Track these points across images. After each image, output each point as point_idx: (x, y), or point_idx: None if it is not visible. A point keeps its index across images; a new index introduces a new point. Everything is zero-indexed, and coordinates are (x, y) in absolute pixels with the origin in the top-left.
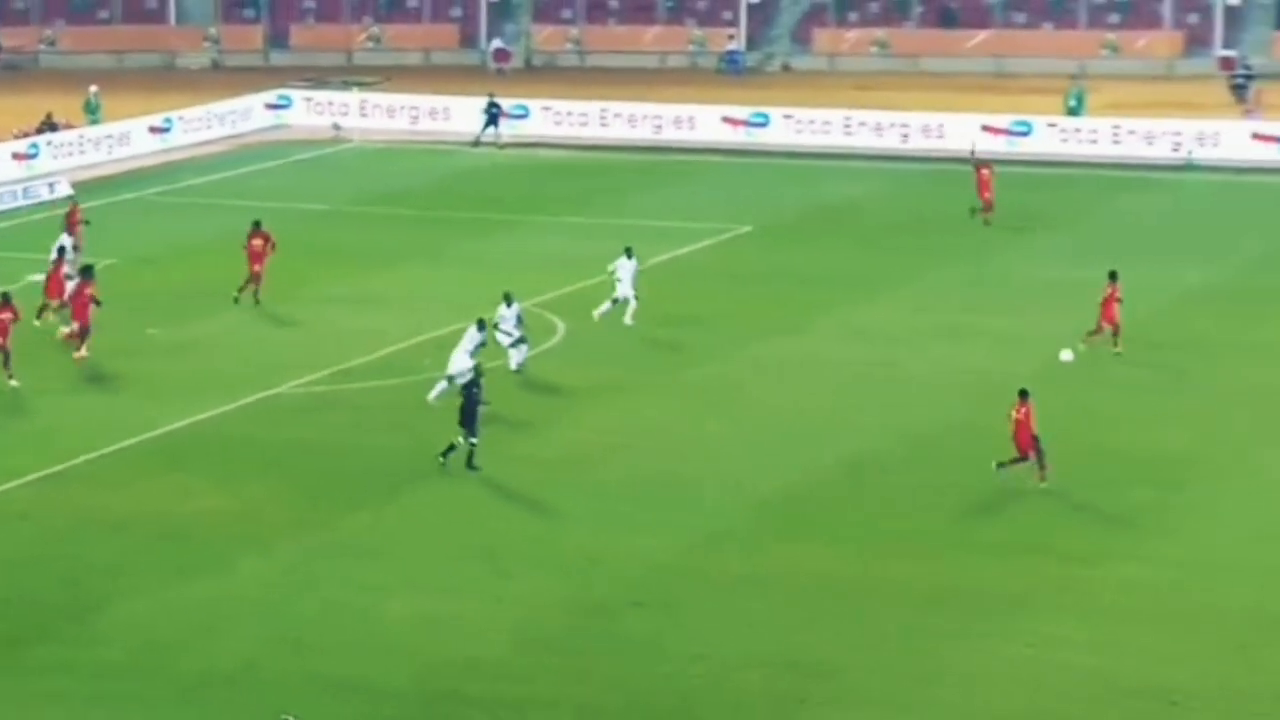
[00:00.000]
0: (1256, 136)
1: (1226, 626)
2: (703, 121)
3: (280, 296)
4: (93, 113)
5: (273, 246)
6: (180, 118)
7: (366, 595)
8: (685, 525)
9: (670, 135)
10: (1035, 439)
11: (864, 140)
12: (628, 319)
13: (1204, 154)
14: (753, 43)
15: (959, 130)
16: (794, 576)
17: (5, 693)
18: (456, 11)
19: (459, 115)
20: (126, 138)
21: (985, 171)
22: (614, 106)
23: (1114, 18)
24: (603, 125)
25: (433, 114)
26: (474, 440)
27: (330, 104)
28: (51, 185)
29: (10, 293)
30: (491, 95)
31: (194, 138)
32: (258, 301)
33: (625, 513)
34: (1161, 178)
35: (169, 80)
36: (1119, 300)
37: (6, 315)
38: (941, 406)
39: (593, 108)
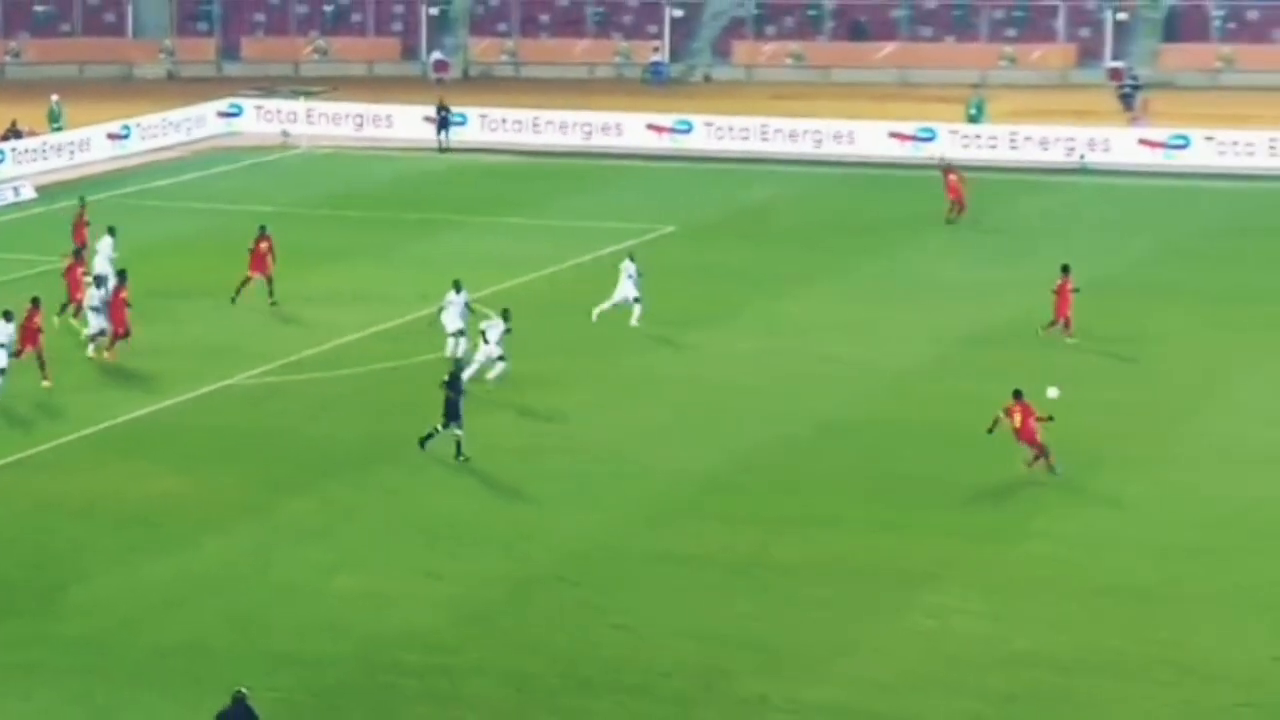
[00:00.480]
0: (1143, 142)
1: (1114, 600)
2: (629, 128)
3: (234, 291)
4: (55, 120)
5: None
6: (138, 125)
7: (314, 573)
8: (614, 506)
9: (599, 141)
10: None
11: (780, 146)
12: (634, 321)
13: (1095, 158)
14: (676, 55)
15: (868, 136)
16: (718, 554)
17: None
18: (398, 25)
19: (401, 123)
20: (87, 144)
21: (953, 176)
22: (546, 114)
23: (1011, 31)
24: (536, 132)
25: (375, 121)
26: (459, 430)
27: (279, 112)
28: (16, 189)
29: (39, 297)
30: (441, 100)
31: (151, 144)
32: (274, 303)
33: (557, 494)
34: (1056, 181)
35: (127, 89)
36: (1074, 291)
37: (38, 319)
38: (853, 395)
39: (526, 115)
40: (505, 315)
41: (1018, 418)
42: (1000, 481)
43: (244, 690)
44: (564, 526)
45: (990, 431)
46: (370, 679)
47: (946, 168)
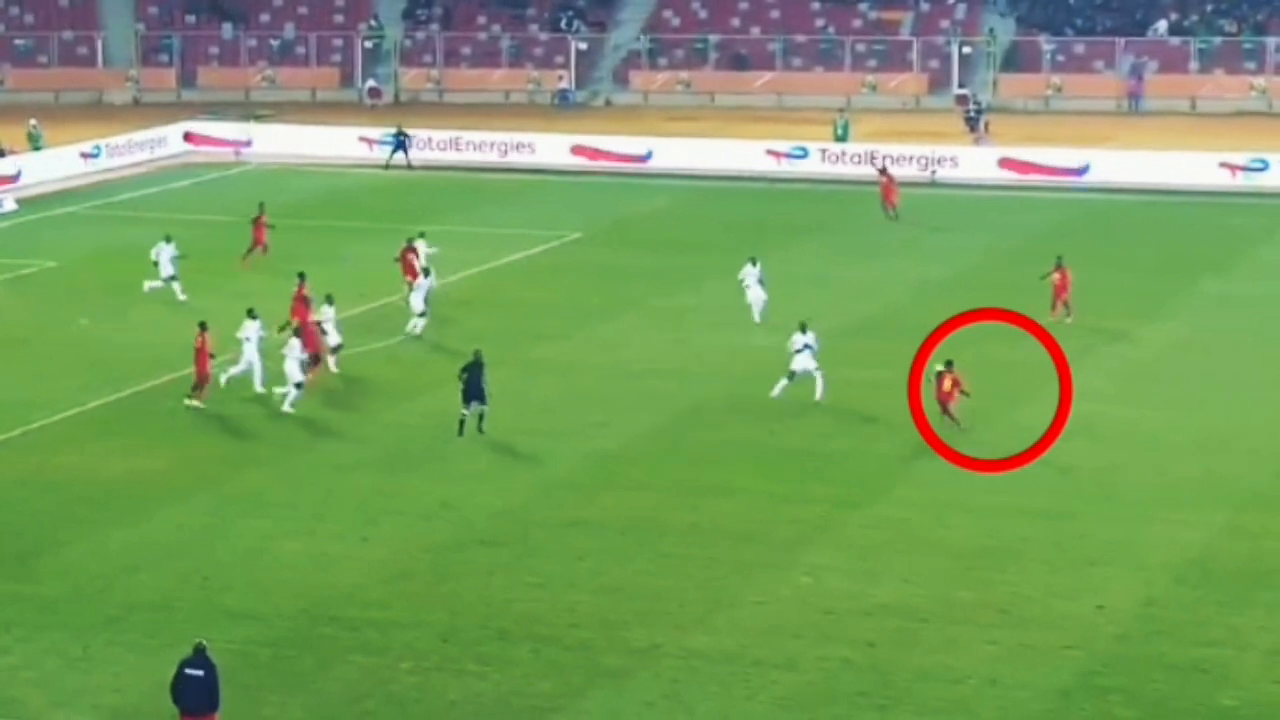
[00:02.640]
0: (995, 160)
1: (960, 557)
2: (541, 147)
3: (195, 290)
4: (35, 141)
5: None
6: (107, 145)
7: (262, 540)
8: (526, 477)
9: (514, 158)
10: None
11: (672, 162)
12: (757, 317)
13: (945, 173)
14: (580, 82)
15: (748, 153)
16: (618, 519)
17: None
18: (337, 57)
19: (339, 143)
20: (62, 161)
21: (885, 180)
22: (467, 135)
23: (872, 62)
24: (458, 150)
25: (316, 142)
26: (482, 408)
27: (232, 133)
28: (0, 201)
29: (205, 321)
30: (399, 126)
31: (118, 161)
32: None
33: (474, 468)
34: (910, 193)
35: (98, 114)
36: (1068, 279)
37: (205, 339)
38: (730, 378)
39: (450, 136)
40: (329, 301)
41: (948, 383)
42: (866, 455)
43: (204, 642)
44: (481, 497)
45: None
46: (313, 632)
47: (882, 171)
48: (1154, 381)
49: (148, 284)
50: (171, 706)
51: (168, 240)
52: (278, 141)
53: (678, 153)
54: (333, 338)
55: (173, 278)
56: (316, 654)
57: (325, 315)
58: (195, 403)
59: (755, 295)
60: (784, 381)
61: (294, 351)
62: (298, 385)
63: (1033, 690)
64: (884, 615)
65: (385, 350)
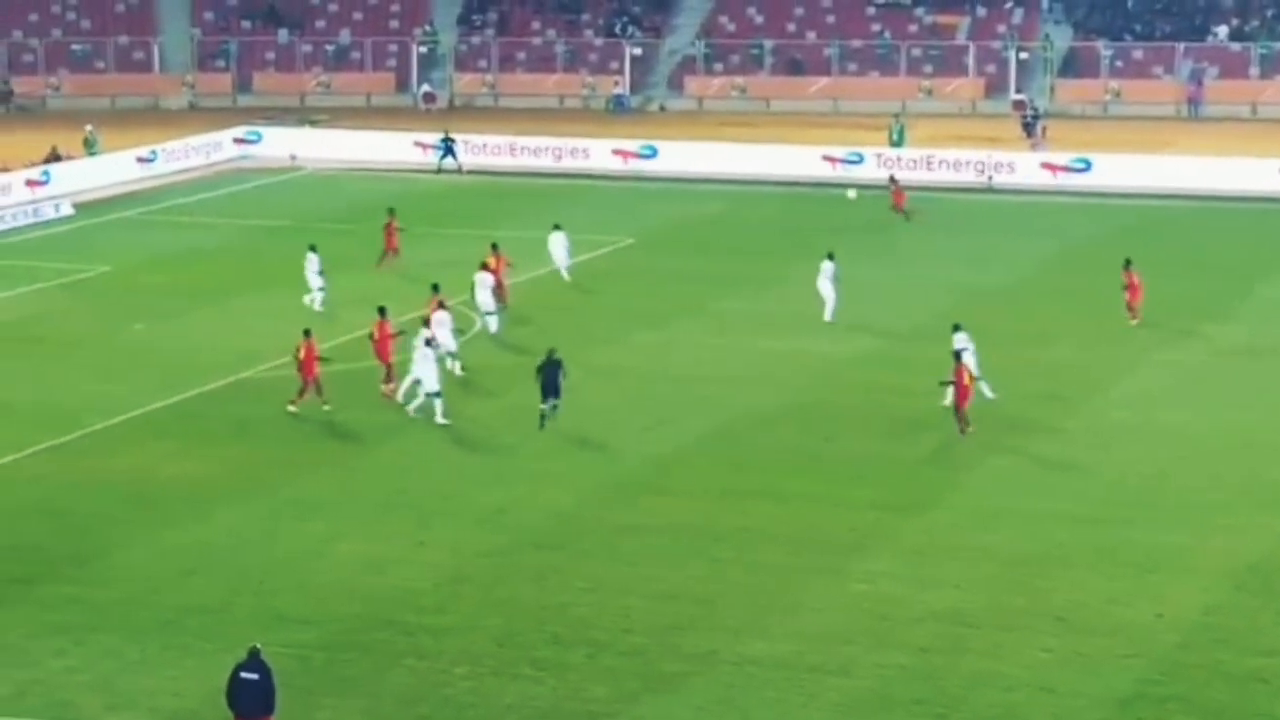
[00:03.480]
0: (1044, 165)
1: (1003, 561)
2: (595, 152)
3: (250, 294)
4: (91, 146)
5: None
6: (163, 149)
7: (318, 543)
8: (580, 482)
9: (568, 163)
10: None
11: (727, 167)
12: (828, 315)
13: (1001, 179)
14: (635, 88)
15: (804, 159)
16: (672, 524)
17: (19, 623)
18: (392, 62)
19: (394, 148)
20: (118, 166)
21: (895, 189)
22: (521, 140)
23: (928, 68)
24: (513, 155)
25: (372, 147)
26: (556, 402)
27: (288, 138)
28: (56, 206)
29: (310, 329)
30: (446, 131)
31: (174, 166)
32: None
33: (530, 474)
34: (967, 199)
35: (154, 118)
36: (1139, 282)
37: (308, 349)
38: (784, 384)
39: (504, 141)
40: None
41: (966, 375)
42: (918, 460)
43: (258, 646)
44: (537, 502)
45: (941, 384)
46: (368, 636)
47: (893, 180)
48: (1209, 386)
49: (306, 298)
50: (227, 710)
51: (313, 250)
52: (333, 146)
53: (733, 158)
54: (449, 343)
55: (321, 288)
56: (372, 658)
57: (440, 320)
58: (290, 408)
59: (826, 292)
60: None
61: (428, 359)
62: (436, 394)
63: (1088, 699)
64: (937, 621)
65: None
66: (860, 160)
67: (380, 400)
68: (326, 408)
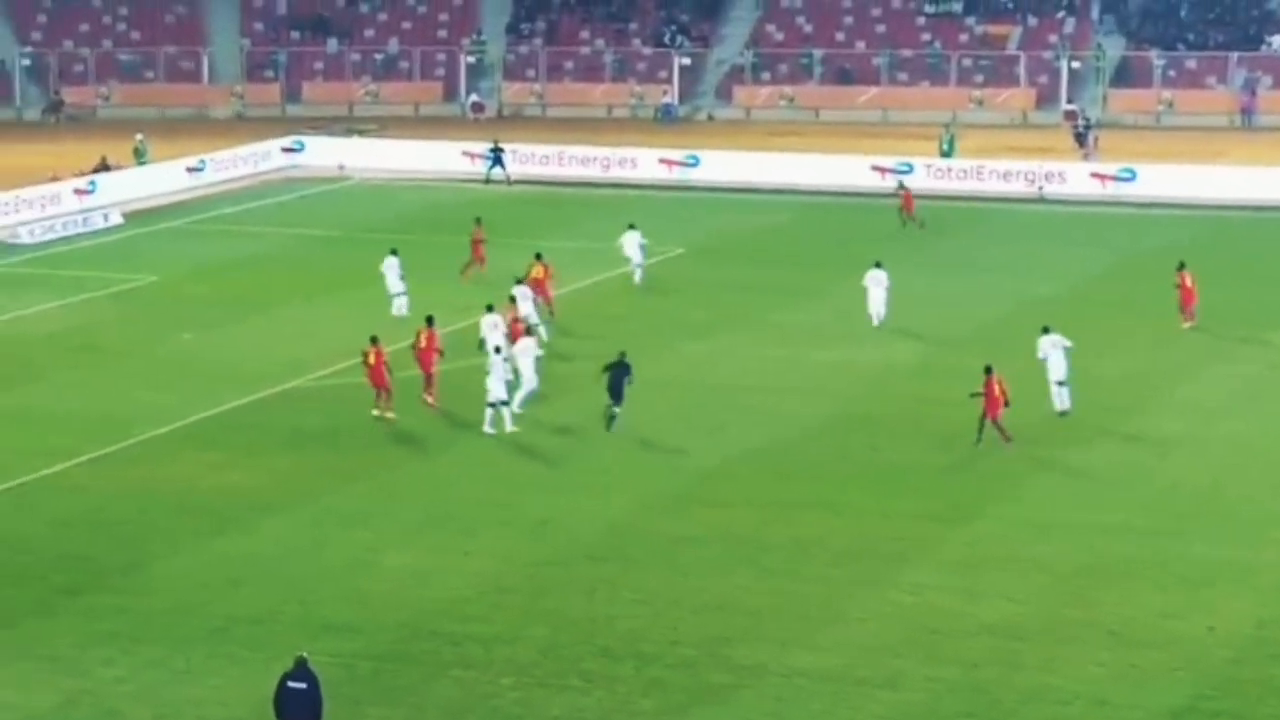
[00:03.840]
0: (1094, 175)
1: (1057, 573)
2: (642, 162)
3: (298, 304)
4: (141, 156)
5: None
6: (211, 159)
7: (364, 552)
8: (629, 492)
9: (615, 173)
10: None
11: (775, 177)
12: (876, 323)
13: (1052, 189)
14: (683, 97)
15: (853, 169)
16: (721, 535)
17: (67, 632)
18: (440, 71)
19: (442, 157)
20: (167, 176)
21: (907, 194)
22: (569, 149)
23: (979, 77)
24: (561, 165)
25: (419, 156)
26: (617, 408)
27: (335, 148)
28: (105, 215)
29: (377, 335)
30: (495, 140)
31: (222, 175)
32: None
33: (578, 484)
34: (1017, 209)
35: (202, 128)
36: (1192, 285)
37: (377, 354)
38: (833, 394)
39: (552, 150)
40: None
41: (996, 388)
42: (967, 471)
43: (305, 655)
44: (584, 512)
45: (972, 396)
46: (414, 646)
47: (902, 186)
48: (1264, 397)
49: (395, 304)
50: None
51: (394, 253)
52: (380, 156)
53: (782, 168)
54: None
55: (402, 292)
56: (418, 668)
57: (493, 324)
58: (387, 414)
59: (875, 300)
60: (1056, 389)
61: (499, 370)
62: (502, 403)
63: (1143, 711)
64: (987, 635)
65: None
66: (910, 170)
67: (427, 409)
68: (377, 414)
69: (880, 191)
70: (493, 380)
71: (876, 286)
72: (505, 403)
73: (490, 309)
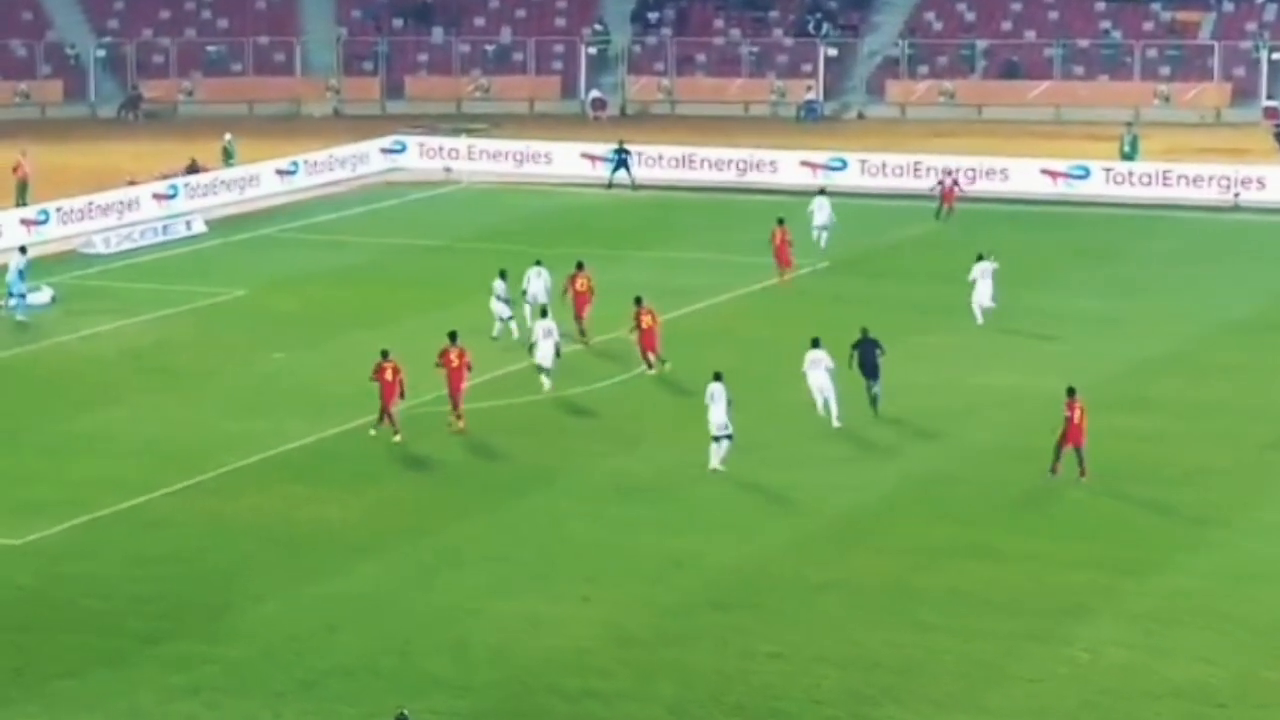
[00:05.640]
0: None
1: (1258, 630)
2: (784, 165)
3: (400, 321)
4: (229, 157)
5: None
6: (305, 161)
7: (471, 598)
8: (766, 533)
9: (753, 178)
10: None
11: (932, 183)
12: (980, 320)
13: (1250, 196)
14: (830, 93)
15: (1021, 173)
16: (869, 582)
17: (147, 683)
18: (558, 64)
19: (560, 159)
20: (256, 179)
21: (948, 186)
22: (701, 151)
23: (1166, 70)
24: (690, 168)
25: (535, 158)
26: (876, 387)
27: (441, 149)
28: (188, 223)
29: (389, 350)
30: (620, 141)
31: (317, 179)
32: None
33: (706, 524)
34: (1209, 219)
35: (294, 127)
36: None
37: (390, 370)
38: (997, 425)
39: (681, 152)
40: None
41: (1076, 413)
42: (1152, 513)
43: (405, 712)
44: (713, 555)
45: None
46: (526, 702)
47: (948, 176)
48: None
49: (512, 329)
50: None
51: (502, 277)
52: (492, 158)
53: (939, 171)
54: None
55: (510, 318)
56: None
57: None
58: (459, 425)
59: (982, 293)
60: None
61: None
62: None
63: None
64: (1175, 698)
65: (614, 387)
66: (1086, 175)
67: (544, 440)
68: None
69: (1052, 199)
70: (716, 413)
71: (984, 279)
72: (729, 436)
73: (544, 313)
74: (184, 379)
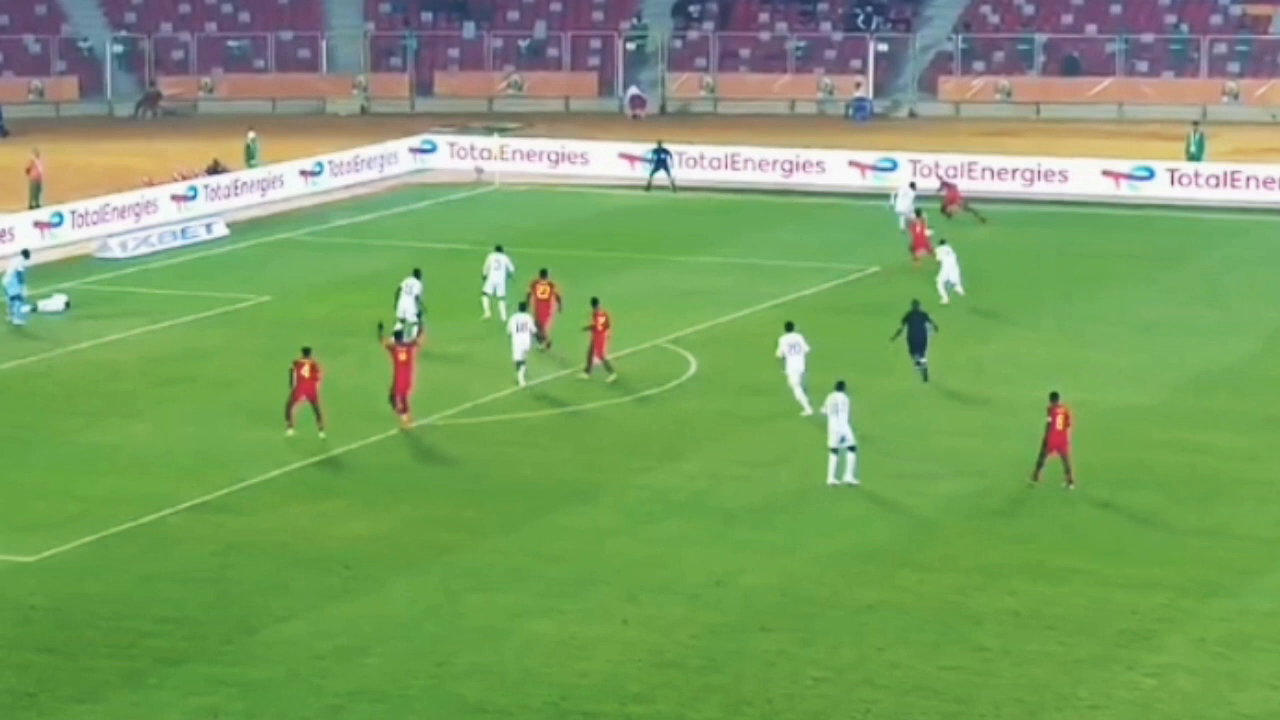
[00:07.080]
0: None
1: None
2: (832, 165)
3: (431, 329)
4: (251, 157)
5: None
6: (330, 161)
7: (504, 618)
8: (813, 550)
9: (800, 179)
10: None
11: (988, 184)
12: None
13: None
14: (880, 90)
15: (1081, 174)
16: (923, 604)
17: (165, 707)
18: (595, 60)
19: (597, 159)
20: (279, 181)
21: (951, 190)
22: (745, 151)
23: (1234, 66)
24: (734, 169)
25: (571, 158)
26: (923, 360)
27: (472, 148)
28: (208, 226)
29: (310, 347)
30: (660, 141)
31: (342, 180)
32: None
33: (750, 538)
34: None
35: (320, 125)
36: None
37: (307, 370)
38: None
39: (724, 152)
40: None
41: (1060, 419)
42: (1222, 533)
43: None
44: (758, 574)
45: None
46: None
47: (945, 183)
48: None
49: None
50: None
51: (416, 275)
52: (525, 158)
53: (995, 173)
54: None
55: (418, 320)
56: None
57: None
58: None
59: (948, 270)
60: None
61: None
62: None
63: None
64: None
65: (652, 399)
66: (1150, 176)
67: (580, 453)
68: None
69: (1114, 201)
70: (839, 426)
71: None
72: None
73: (523, 308)
74: (206, 389)
